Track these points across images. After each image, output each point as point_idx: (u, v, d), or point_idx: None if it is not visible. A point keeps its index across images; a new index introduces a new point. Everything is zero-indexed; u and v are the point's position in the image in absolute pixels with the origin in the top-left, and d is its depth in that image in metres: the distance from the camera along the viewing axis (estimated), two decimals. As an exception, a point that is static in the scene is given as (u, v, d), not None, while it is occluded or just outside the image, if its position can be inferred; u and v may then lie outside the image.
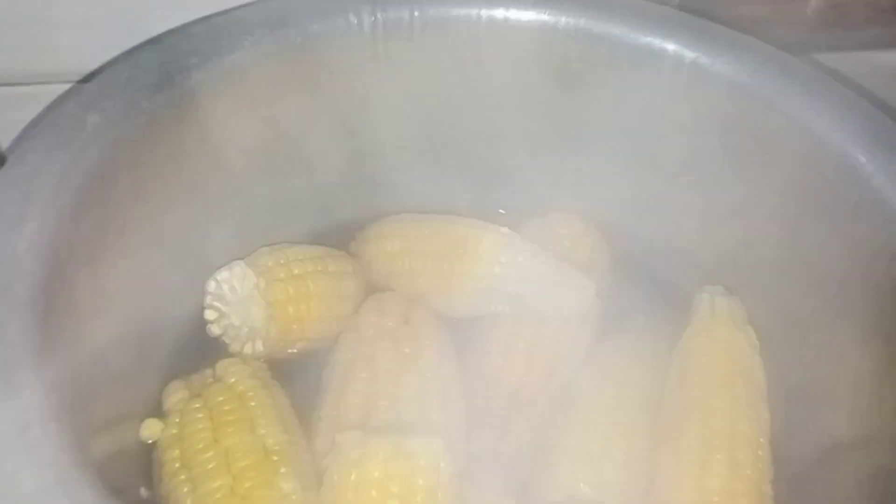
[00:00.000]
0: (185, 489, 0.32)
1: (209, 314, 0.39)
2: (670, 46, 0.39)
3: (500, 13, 0.40)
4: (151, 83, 0.33)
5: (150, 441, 0.35)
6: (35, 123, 0.30)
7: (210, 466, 0.33)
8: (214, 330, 0.39)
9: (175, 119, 0.34)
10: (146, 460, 0.34)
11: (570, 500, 0.34)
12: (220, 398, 0.36)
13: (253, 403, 0.36)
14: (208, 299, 0.39)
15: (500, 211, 0.45)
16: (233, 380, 0.37)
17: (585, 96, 0.40)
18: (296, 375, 0.39)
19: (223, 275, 0.38)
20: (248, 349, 0.38)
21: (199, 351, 0.39)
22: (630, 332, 0.40)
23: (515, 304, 0.39)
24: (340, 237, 0.45)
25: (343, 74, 0.40)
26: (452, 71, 0.41)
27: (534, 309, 0.38)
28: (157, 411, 0.36)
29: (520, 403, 0.38)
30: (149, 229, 0.35)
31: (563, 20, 0.39)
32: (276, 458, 0.33)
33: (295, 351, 0.40)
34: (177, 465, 0.33)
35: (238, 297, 0.38)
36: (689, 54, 0.38)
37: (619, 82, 0.40)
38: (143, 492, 0.33)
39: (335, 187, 0.45)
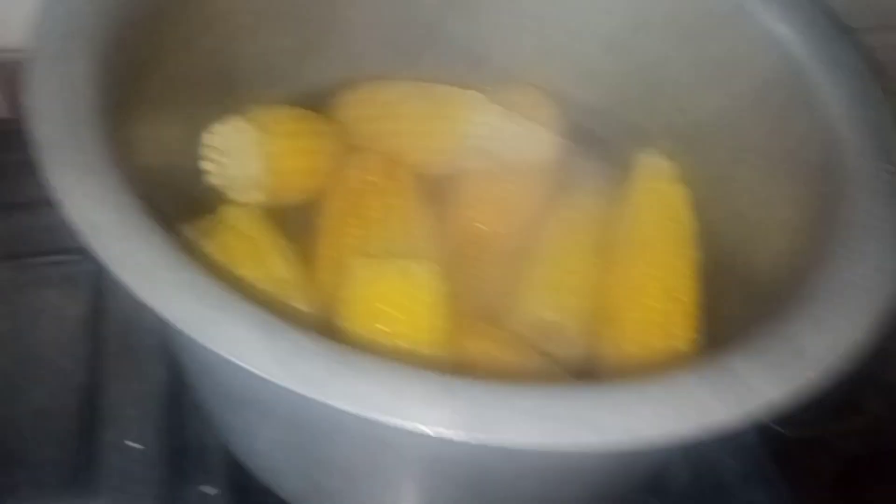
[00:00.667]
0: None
1: (207, 165, 0.42)
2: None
3: None
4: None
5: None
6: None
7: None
8: (213, 181, 0.42)
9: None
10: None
11: (538, 324, 0.41)
12: (229, 236, 0.39)
13: (259, 242, 0.40)
14: (206, 151, 0.42)
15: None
16: (237, 222, 0.40)
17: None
18: (287, 223, 0.43)
19: (221, 128, 0.41)
20: (246, 197, 0.42)
21: (198, 202, 0.42)
22: (580, 188, 0.47)
23: (488, 160, 0.44)
24: (315, 103, 0.48)
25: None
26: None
27: (504, 162, 0.44)
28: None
29: (491, 247, 0.44)
30: (161, 73, 0.37)
31: None
32: (287, 285, 0.38)
33: (286, 201, 0.44)
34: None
35: (236, 149, 0.41)
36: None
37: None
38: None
39: (311, 51, 0.48)
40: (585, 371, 0.41)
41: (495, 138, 0.43)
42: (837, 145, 0.33)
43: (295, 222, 0.44)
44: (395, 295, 0.35)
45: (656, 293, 0.41)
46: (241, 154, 0.41)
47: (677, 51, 0.45)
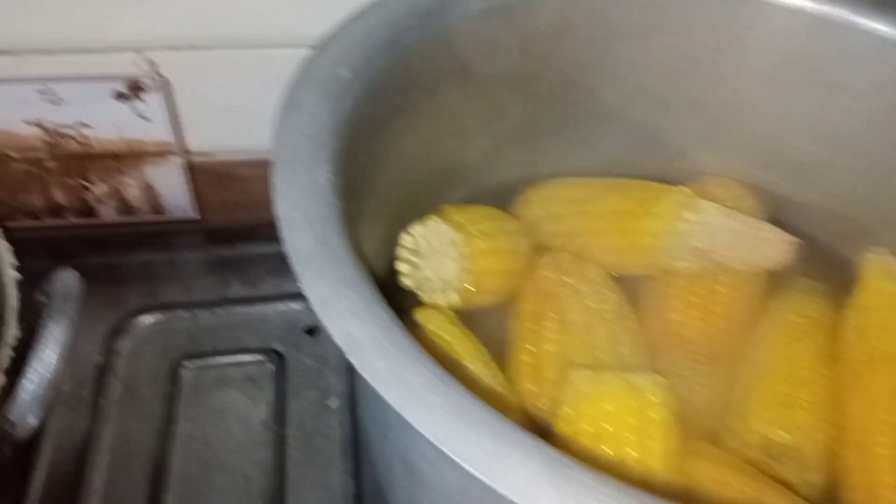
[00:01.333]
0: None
1: (402, 266, 0.41)
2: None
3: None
4: (382, 42, 0.35)
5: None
6: (295, 78, 0.32)
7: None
8: (407, 282, 0.41)
9: (401, 75, 0.36)
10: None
11: (766, 445, 0.36)
12: (424, 343, 0.37)
13: (457, 347, 0.38)
14: (402, 252, 0.41)
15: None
16: (433, 326, 0.39)
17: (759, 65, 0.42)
18: (479, 327, 0.41)
19: (418, 229, 0.40)
20: (441, 300, 0.40)
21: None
22: (797, 291, 0.42)
23: (701, 260, 0.41)
24: (497, 202, 0.47)
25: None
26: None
27: (723, 264, 0.40)
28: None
29: (701, 357, 0.40)
30: (369, 182, 0.37)
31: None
32: (491, 395, 0.35)
33: (481, 304, 0.42)
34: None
35: (433, 250, 0.40)
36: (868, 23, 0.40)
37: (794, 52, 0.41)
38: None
39: (498, 151, 0.47)
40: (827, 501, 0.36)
41: (715, 236, 0.40)
42: None
43: (486, 326, 0.42)
44: (621, 413, 0.32)
45: (908, 413, 0.35)
46: (437, 254, 0.40)
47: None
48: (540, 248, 0.45)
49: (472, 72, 0.41)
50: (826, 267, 0.44)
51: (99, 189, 0.53)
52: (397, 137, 0.38)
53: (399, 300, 0.41)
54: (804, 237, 0.46)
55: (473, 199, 0.46)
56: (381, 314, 0.24)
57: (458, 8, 0.38)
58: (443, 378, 0.22)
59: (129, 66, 0.47)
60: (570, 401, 0.33)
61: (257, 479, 0.43)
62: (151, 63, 0.48)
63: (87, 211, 0.54)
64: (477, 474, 0.20)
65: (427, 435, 0.20)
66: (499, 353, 0.40)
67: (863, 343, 0.38)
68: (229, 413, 0.45)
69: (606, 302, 0.41)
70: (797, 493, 0.36)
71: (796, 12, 0.41)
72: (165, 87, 0.49)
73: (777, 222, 0.45)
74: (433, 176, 0.44)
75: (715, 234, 0.40)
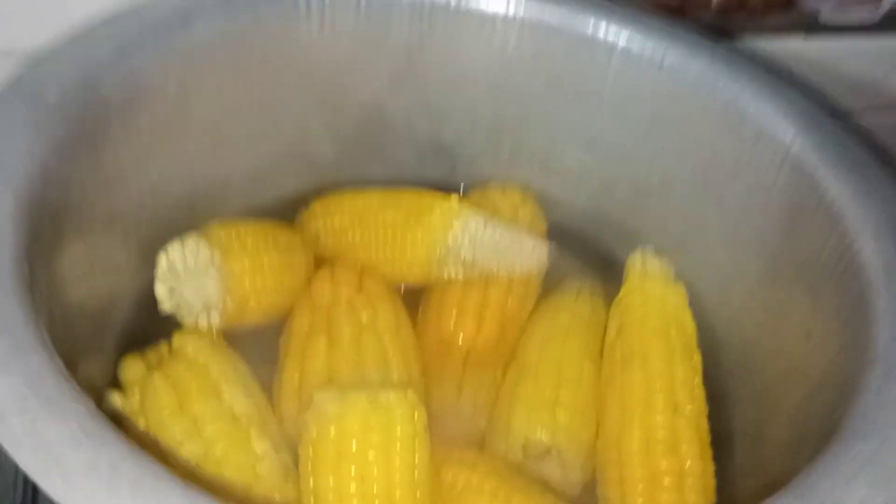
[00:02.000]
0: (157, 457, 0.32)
1: (160, 289, 0.38)
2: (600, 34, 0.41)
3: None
4: (106, 61, 0.33)
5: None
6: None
7: (179, 435, 0.33)
8: (166, 306, 0.38)
9: (128, 97, 0.34)
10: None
11: (527, 444, 0.37)
12: (181, 367, 0.36)
13: (215, 371, 0.36)
14: (159, 273, 0.38)
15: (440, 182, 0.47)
16: (191, 350, 0.37)
17: (527, 81, 0.43)
18: (249, 347, 0.39)
19: (174, 249, 0.38)
20: (202, 322, 0.38)
21: (152, 326, 0.39)
22: (570, 291, 0.43)
23: (468, 269, 0.41)
24: (282, 213, 0.45)
25: (289, 52, 0.41)
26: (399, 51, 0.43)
27: (487, 272, 0.41)
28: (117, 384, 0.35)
29: (473, 363, 0.40)
30: (103, 205, 0.35)
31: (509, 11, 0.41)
32: (244, 421, 0.34)
33: (249, 323, 0.40)
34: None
35: (191, 270, 0.38)
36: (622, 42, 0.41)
37: (556, 68, 0.42)
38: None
39: (277, 164, 0.45)
40: (586, 499, 0.37)
41: (478, 246, 0.40)
42: (854, 248, 0.30)
43: (261, 345, 0.40)
44: (365, 431, 0.31)
45: (661, 406, 0.37)
46: (196, 274, 0.38)
47: (667, 150, 0.43)
48: (323, 263, 0.44)
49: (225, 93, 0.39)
50: (604, 267, 0.45)
51: None
52: (140, 157, 0.36)
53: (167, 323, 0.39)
54: (583, 240, 0.47)
55: (252, 213, 0.44)
56: (33, 364, 0.21)
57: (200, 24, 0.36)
58: (89, 432, 0.20)
59: None
60: (316, 422, 0.31)
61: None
62: None
63: None
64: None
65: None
66: (273, 374, 0.39)
67: (619, 341, 0.39)
68: None
69: (380, 314, 0.40)
70: (558, 492, 0.36)
71: (554, 32, 0.42)
72: None
73: (557, 225, 0.47)
74: (200, 192, 0.42)
75: (478, 245, 0.40)
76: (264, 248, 0.40)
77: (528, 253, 0.40)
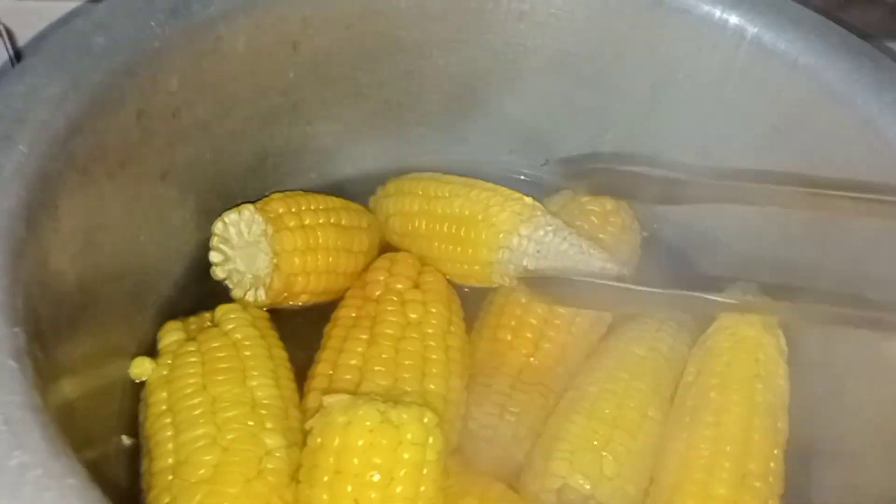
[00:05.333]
0: (168, 433, 0.31)
1: (214, 256, 0.37)
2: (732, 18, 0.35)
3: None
4: (167, 8, 0.31)
5: (139, 380, 0.34)
6: (39, 39, 0.29)
7: (195, 413, 0.32)
8: (218, 273, 0.37)
9: (189, 50, 0.32)
10: (130, 405, 0.33)
11: (563, 490, 0.33)
12: (215, 344, 0.34)
13: (247, 353, 0.34)
14: (214, 240, 0.37)
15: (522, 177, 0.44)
16: (230, 326, 0.35)
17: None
18: (297, 328, 0.38)
19: (231, 217, 0.37)
20: (250, 296, 0.37)
21: (201, 292, 0.38)
22: (652, 320, 0.38)
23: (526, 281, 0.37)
24: (361, 190, 0.43)
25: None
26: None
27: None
28: (150, 350, 0.35)
29: (523, 383, 0.36)
30: (155, 162, 0.34)
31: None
32: (263, 411, 0.32)
33: (299, 303, 0.38)
34: (163, 407, 0.32)
35: (244, 242, 0.37)
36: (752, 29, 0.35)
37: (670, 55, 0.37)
38: (125, 440, 0.33)
39: (360, 136, 0.43)
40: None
41: (542, 257, 0.36)
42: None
43: (309, 328, 0.38)
44: (370, 450, 0.28)
45: (726, 477, 0.31)
46: (249, 246, 0.37)
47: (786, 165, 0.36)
48: (390, 248, 0.41)
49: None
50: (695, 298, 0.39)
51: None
52: (202, 116, 0.35)
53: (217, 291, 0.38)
54: (682, 259, 0.42)
55: (327, 188, 0.42)
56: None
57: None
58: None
59: None
60: (321, 430, 0.29)
61: None
62: None
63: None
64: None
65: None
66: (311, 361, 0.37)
67: (696, 387, 0.34)
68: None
69: (431, 314, 0.37)
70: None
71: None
72: None
73: (658, 240, 0.41)
74: (271, 158, 0.40)
75: (543, 254, 0.35)
76: (322, 226, 0.38)
77: (595, 271, 0.35)
